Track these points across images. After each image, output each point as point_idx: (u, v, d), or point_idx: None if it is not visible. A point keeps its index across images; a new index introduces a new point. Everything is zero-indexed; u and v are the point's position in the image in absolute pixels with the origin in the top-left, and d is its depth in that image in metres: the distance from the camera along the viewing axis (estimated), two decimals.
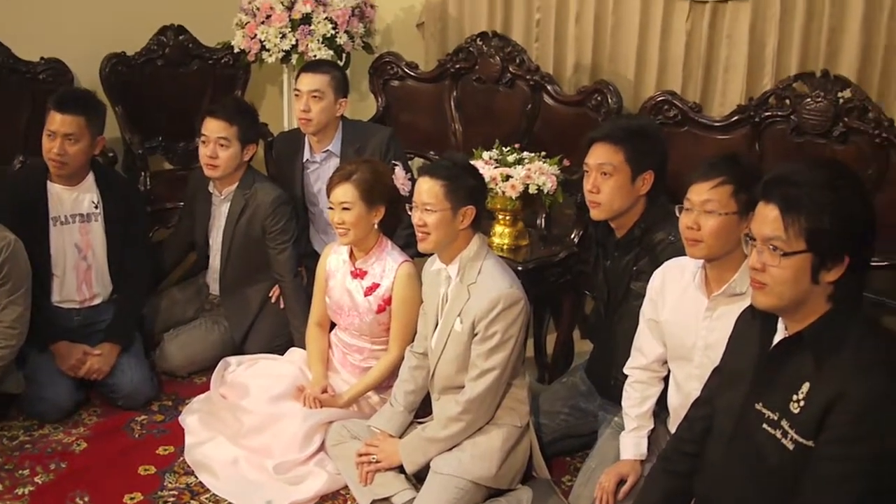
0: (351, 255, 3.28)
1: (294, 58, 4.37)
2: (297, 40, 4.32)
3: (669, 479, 2.30)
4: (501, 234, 3.54)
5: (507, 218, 3.53)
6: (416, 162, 4.60)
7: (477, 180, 2.90)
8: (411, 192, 3.00)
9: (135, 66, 4.54)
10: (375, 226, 3.19)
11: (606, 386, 3.02)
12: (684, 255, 2.55)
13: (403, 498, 2.83)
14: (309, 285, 3.56)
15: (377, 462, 2.90)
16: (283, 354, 3.51)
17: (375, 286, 3.19)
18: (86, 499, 2.95)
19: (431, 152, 4.52)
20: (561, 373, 3.49)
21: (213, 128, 3.55)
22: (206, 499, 2.98)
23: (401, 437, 2.97)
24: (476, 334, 2.78)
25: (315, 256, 3.59)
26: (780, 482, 1.95)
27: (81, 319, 3.54)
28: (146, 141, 4.51)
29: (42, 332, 3.34)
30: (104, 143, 3.55)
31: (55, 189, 3.44)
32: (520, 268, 3.35)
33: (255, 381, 3.29)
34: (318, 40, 4.31)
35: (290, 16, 4.31)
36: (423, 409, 3.09)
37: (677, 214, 2.53)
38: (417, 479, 2.90)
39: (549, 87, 4.31)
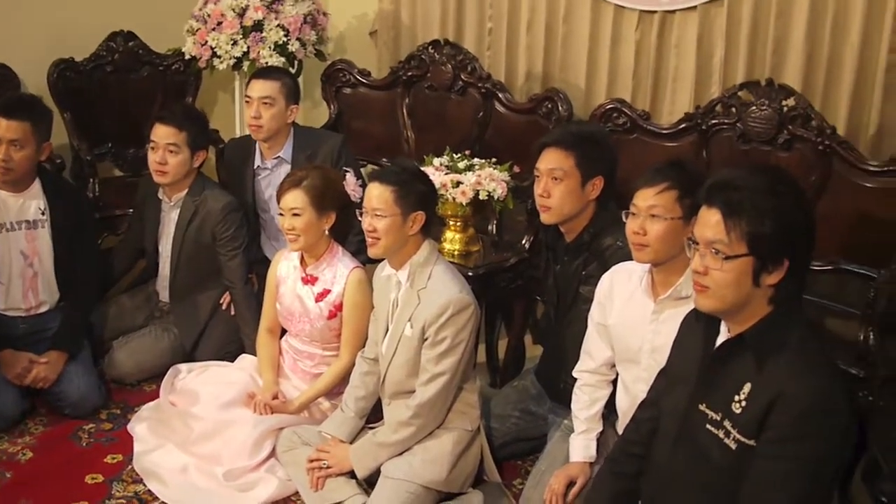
0: (302, 261, 3.27)
1: (246, 65, 4.34)
2: (248, 47, 4.30)
3: (617, 481, 2.33)
4: (452, 239, 3.56)
5: (458, 224, 3.55)
6: (369, 169, 4.59)
7: (427, 186, 2.92)
8: (362, 199, 3.00)
9: (83, 71, 4.49)
10: (326, 232, 3.19)
11: (556, 389, 3.05)
12: (632, 259, 2.59)
13: (355, 503, 2.83)
14: (260, 292, 3.55)
15: (328, 468, 2.90)
16: (233, 361, 3.49)
17: (326, 292, 3.19)
18: None
19: (384, 159, 4.51)
20: (513, 377, 3.51)
21: (162, 134, 3.53)
22: None
23: (352, 442, 2.97)
24: (426, 339, 2.79)
25: (266, 263, 3.57)
26: (725, 482, 1.98)
27: (27, 327, 3.49)
28: (95, 147, 4.46)
29: None
30: (51, 150, 3.52)
31: (0, 195, 3.39)
32: (471, 273, 3.36)
33: (205, 387, 3.27)
34: (270, 47, 4.29)
35: (241, 23, 4.28)
36: (374, 415, 3.09)
37: (624, 220, 2.56)
38: (368, 483, 2.90)
39: (500, 95, 4.34)
